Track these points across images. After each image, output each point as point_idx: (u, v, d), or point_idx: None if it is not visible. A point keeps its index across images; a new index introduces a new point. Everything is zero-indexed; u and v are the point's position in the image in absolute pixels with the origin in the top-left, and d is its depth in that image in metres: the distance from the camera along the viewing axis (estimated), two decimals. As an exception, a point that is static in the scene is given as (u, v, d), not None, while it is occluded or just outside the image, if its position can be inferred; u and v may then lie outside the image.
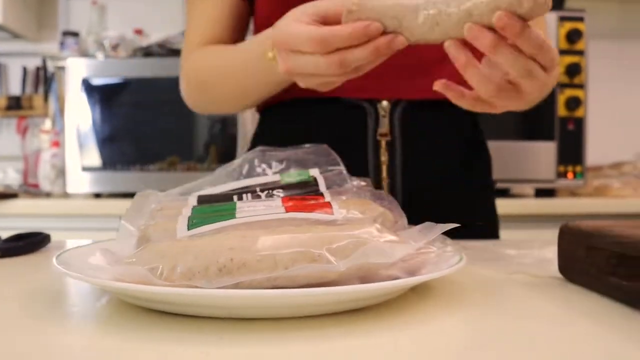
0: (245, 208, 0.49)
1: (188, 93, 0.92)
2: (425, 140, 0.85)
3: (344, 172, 0.60)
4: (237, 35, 0.92)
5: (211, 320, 0.42)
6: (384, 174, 0.83)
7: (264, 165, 0.62)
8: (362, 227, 0.45)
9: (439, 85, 0.61)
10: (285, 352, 0.37)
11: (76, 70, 2.00)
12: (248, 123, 1.93)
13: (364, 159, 0.84)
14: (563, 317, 0.44)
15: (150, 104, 2.01)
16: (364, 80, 0.75)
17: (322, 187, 0.55)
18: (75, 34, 2.25)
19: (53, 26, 2.50)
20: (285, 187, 0.56)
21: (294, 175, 0.58)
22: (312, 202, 0.50)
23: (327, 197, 0.52)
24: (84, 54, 2.15)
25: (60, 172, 2.10)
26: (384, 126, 0.83)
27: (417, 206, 0.82)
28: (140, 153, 2.02)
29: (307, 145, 0.64)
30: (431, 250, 0.50)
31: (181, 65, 0.92)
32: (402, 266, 0.47)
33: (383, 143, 0.84)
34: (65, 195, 2.08)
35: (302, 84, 0.66)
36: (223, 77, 0.85)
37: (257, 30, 0.91)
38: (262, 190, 0.55)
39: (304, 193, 0.54)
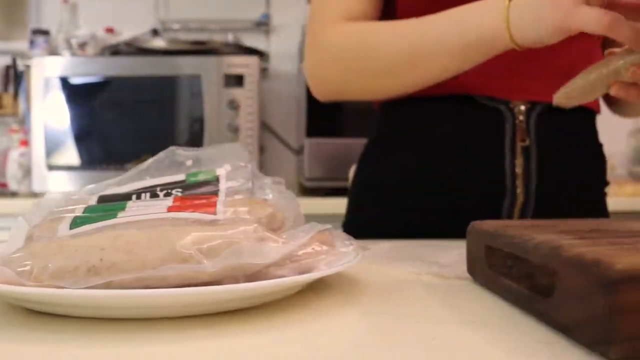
0: (134, 208, 0.49)
1: (328, 67, 0.82)
2: (559, 145, 0.84)
3: (252, 171, 0.59)
4: (377, 17, 0.86)
5: (94, 321, 0.42)
6: (520, 179, 0.82)
7: (174, 165, 0.62)
8: (240, 227, 0.44)
9: (616, 90, 0.60)
10: (169, 351, 0.36)
11: (42, 69, 1.99)
12: (214, 121, 1.92)
13: (501, 164, 0.82)
14: (450, 318, 0.44)
15: (118, 102, 2.00)
16: (498, 78, 0.74)
17: (222, 186, 0.54)
18: (45, 33, 2.23)
19: (23, 24, 2.48)
20: (188, 186, 0.55)
21: (200, 175, 0.58)
22: (203, 201, 0.49)
23: (222, 197, 0.51)
24: (54, 52, 2.14)
25: (28, 172, 2.09)
26: (522, 131, 0.82)
27: (548, 208, 0.83)
28: (109, 152, 2.01)
29: (220, 145, 0.63)
30: (323, 250, 0.49)
31: (313, 39, 0.84)
32: (293, 266, 0.47)
33: (519, 148, 0.82)
34: (32, 194, 2.07)
35: (575, 17, 0.59)
36: (424, 49, 0.74)
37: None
38: (161, 190, 0.54)
39: (202, 193, 0.53)
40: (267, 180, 0.60)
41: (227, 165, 0.59)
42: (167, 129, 1.97)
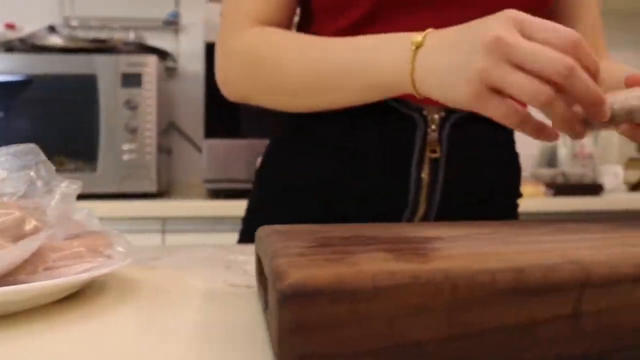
0: None
1: (237, 74, 0.79)
2: (471, 158, 0.80)
3: (40, 173, 0.56)
4: (288, 22, 0.82)
5: None
6: (424, 190, 0.79)
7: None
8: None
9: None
10: None
11: None
12: (110, 122, 1.86)
13: (407, 174, 0.79)
14: (184, 330, 0.41)
15: (15, 102, 1.92)
16: None
17: (-9, 190, 0.51)
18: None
19: None
20: (-43, 190, 0.52)
21: (-23, 178, 0.54)
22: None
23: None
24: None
25: None
26: (433, 142, 0.78)
27: (451, 219, 0.79)
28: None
29: (14, 146, 0.59)
30: (86, 255, 0.48)
31: (222, 43, 0.81)
32: (47, 273, 0.46)
33: (427, 159, 0.79)
34: None
35: (483, 104, 0.55)
36: (321, 69, 0.71)
37: (312, 22, 0.82)
38: None
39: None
40: (64, 183, 0.57)
41: (9, 167, 0.56)
42: (63, 129, 1.90)
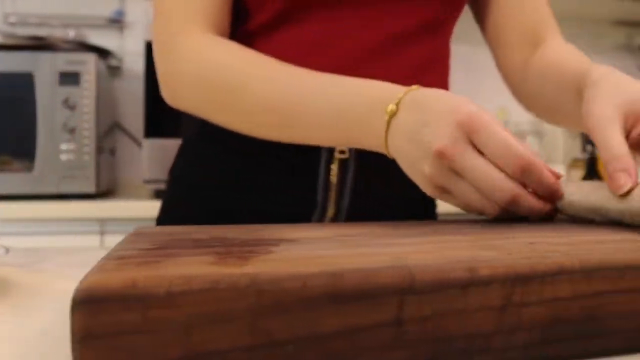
0: None
1: (189, 92, 0.73)
2: (382, 160, 0.71)
3: None
4: (229, 19, 0.77)
5: None
6: (333, 192, 0.77)
7: None
8: None
9: None
10: None
11: None
12: (47, 121, 1.82)
13: (315, 174, 0.77)
14: (28, 337, 0.39)
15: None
16: None
17: None
18: None
19: None
20: None
21: None
22: None
23: None
24: None
25: None
26: None
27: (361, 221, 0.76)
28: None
29: None
30: None
31: (162, 45, 0.74)
32: None
33: (337, 160, 0.76)
34: None
35: (438, 197, 0.57)
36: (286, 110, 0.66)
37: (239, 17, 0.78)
38: None
39: None
40: None
41: None
42: (1, 129, 1.85)
